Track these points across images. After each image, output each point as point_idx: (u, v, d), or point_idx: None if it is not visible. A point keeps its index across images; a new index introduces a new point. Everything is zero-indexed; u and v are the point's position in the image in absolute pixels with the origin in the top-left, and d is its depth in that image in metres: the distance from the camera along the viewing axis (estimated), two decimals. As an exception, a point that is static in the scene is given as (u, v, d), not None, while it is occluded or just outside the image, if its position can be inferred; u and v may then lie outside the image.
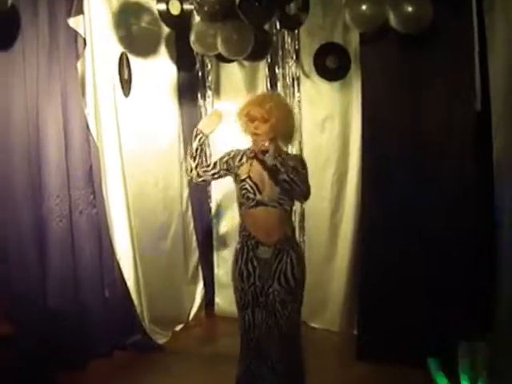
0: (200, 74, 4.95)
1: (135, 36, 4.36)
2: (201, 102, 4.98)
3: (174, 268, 4.74)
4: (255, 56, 4.22)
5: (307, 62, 4.58)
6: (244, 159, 3.03)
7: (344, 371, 3.91)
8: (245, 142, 3.09)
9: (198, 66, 4.92)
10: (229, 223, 4.90)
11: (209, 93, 4.95)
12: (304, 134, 4.63)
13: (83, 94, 3.98)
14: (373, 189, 3.96)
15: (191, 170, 3.11)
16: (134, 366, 4.02)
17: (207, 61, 4.89)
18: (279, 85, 4.68)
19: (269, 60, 4.64)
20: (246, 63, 4.70)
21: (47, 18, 3.73)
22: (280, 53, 4.65)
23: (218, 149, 4.54)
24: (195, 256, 4.99)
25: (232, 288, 3.14)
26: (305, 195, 2.99)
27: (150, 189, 4.54)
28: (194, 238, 4.97)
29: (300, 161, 3.04)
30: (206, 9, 3.94)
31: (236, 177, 3.05)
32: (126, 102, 4.30)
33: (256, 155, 2.92)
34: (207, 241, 5.09)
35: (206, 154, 3.26)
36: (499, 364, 3.34)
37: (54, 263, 3.83)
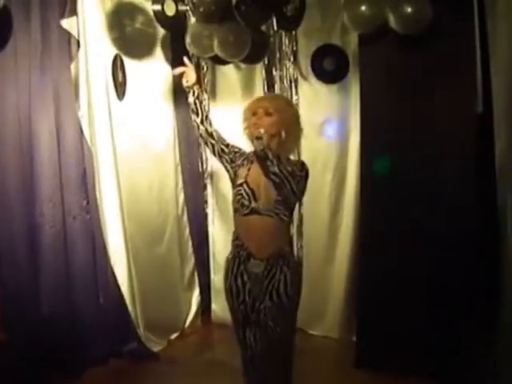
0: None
1: (130, 37, 4.29)
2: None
3: (169, 274, 4.67)
4: (252, 58, 4.18)
5: (305, 63, 4.53)
6: (245, 161, 2.92)
7: (343, 378, 3.85)
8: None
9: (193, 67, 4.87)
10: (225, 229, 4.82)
11: (205, 95, 4.88)
12: (302, 137, 4.57)
13: (77, 96, 3.92)
14: (372, 193, 3.90)
15: (198, 127, 3.04)
16: (129, 374, 3.96)
17: (203, 63, 4.84)
18: (276, 87, 4.63)
19: (266, 62, 4.60)
20: (243, 65, 4.64)
21: (40, 19, 3.67)
22: (277, 54, 4.60)
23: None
24: (191, 262, 4.92)
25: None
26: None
27: (144, 193, 4.48)
28: (190, 243, 4.91)
29: (301, 165, 2.88)
30: (201, 10, 3.92)
31: (234, 178, 2.93)
32: (120, 104, 4.23)
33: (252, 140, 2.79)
34: (203, 246, 5.02)
35: (204, 106, 3.22)
36: (504, 367, 3.32)
37: (47, 270, 3.76)
